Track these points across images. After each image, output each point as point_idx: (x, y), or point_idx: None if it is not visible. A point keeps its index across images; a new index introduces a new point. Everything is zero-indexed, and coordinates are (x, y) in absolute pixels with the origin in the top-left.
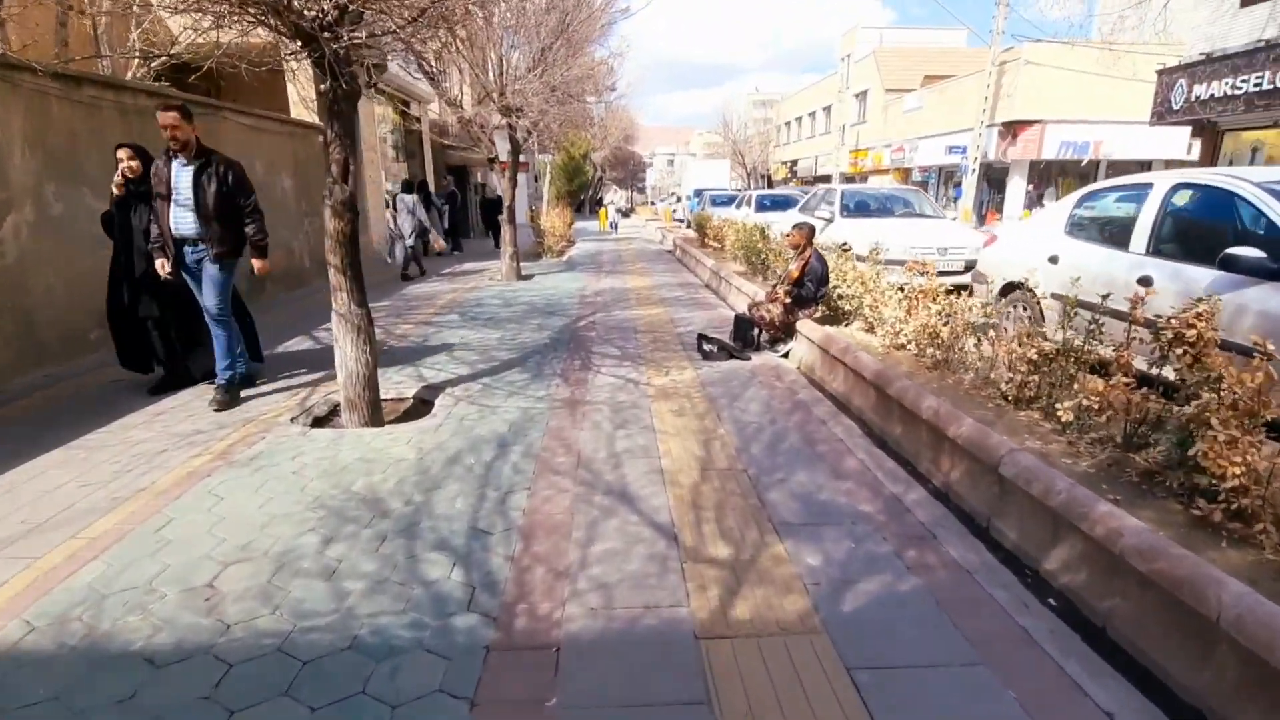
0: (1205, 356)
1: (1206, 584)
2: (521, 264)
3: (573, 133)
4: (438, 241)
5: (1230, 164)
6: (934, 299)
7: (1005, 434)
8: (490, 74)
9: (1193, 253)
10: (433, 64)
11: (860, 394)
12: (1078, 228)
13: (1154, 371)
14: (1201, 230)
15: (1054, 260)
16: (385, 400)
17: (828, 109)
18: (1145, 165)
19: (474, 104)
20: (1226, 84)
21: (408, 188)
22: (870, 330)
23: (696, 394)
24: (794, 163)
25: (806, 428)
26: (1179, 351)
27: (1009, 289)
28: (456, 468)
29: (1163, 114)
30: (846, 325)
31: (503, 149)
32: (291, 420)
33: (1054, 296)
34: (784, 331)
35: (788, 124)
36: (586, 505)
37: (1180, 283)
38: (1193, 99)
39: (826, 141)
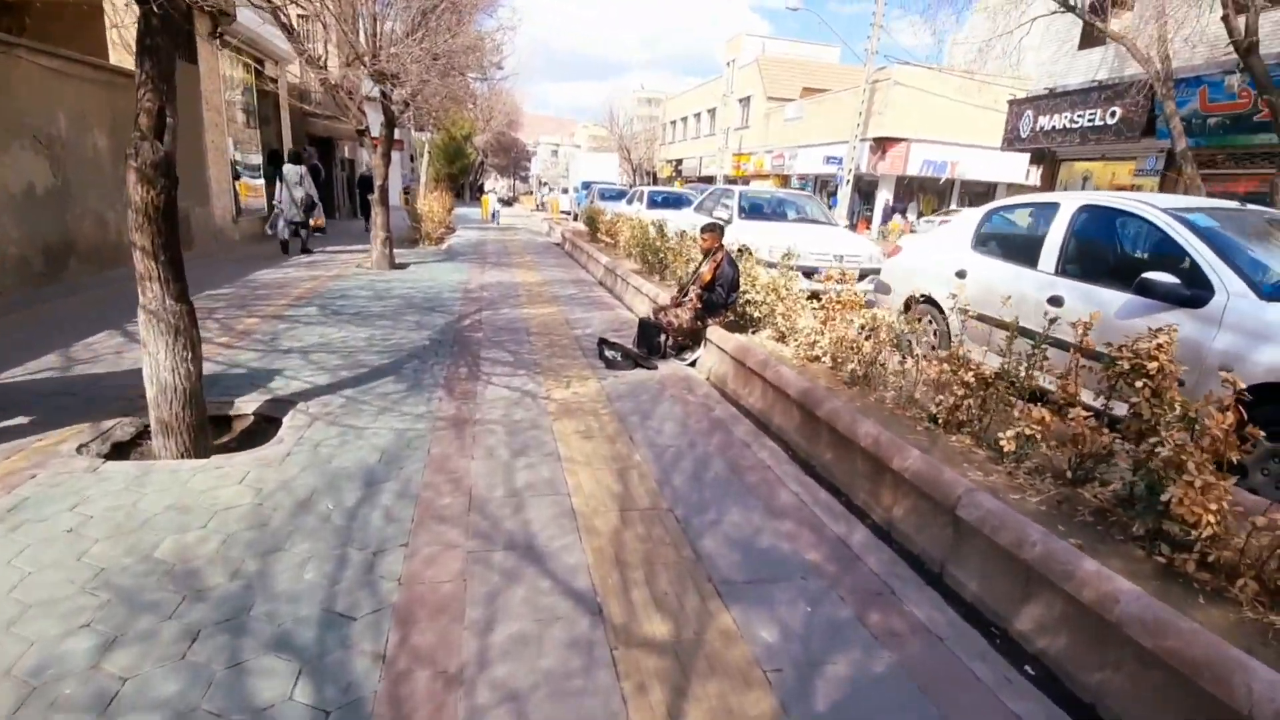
0: (1165, 390)
1: (1232, 670)
2: (395, 251)
3: (455, 110)
4: (319, 219)
5: (1065, 189)
6: (852, 310)
7: (942, 463)
8: (361, 34)
9: (1102, 274)
10: (291, 17)
11: (783, 413)
12: (984, 243)
13: (1097, 404)
14: (1110, 253)
15: (961, 275)
16: (217, 419)
17: (713, 111)
18: (992, 186)
19: (342, 66)
20: (1065, 117)
21: (295, 158)
22: (781, 339)
23: (604, 410)
24: (679, 162)
25: (729, 452)
26: (1139, 385)
27: (914, 302)
28: (308, 517)
29: (1012, 141)
30: (755, 333)
31: (374, 121)
32: (79, 449)
33: (961, 312)
34: (691, 339)
35: (673, 123)
36: (483, 568)
37: (1092, 304)
38: (1037, 129)
39: (711, 143)
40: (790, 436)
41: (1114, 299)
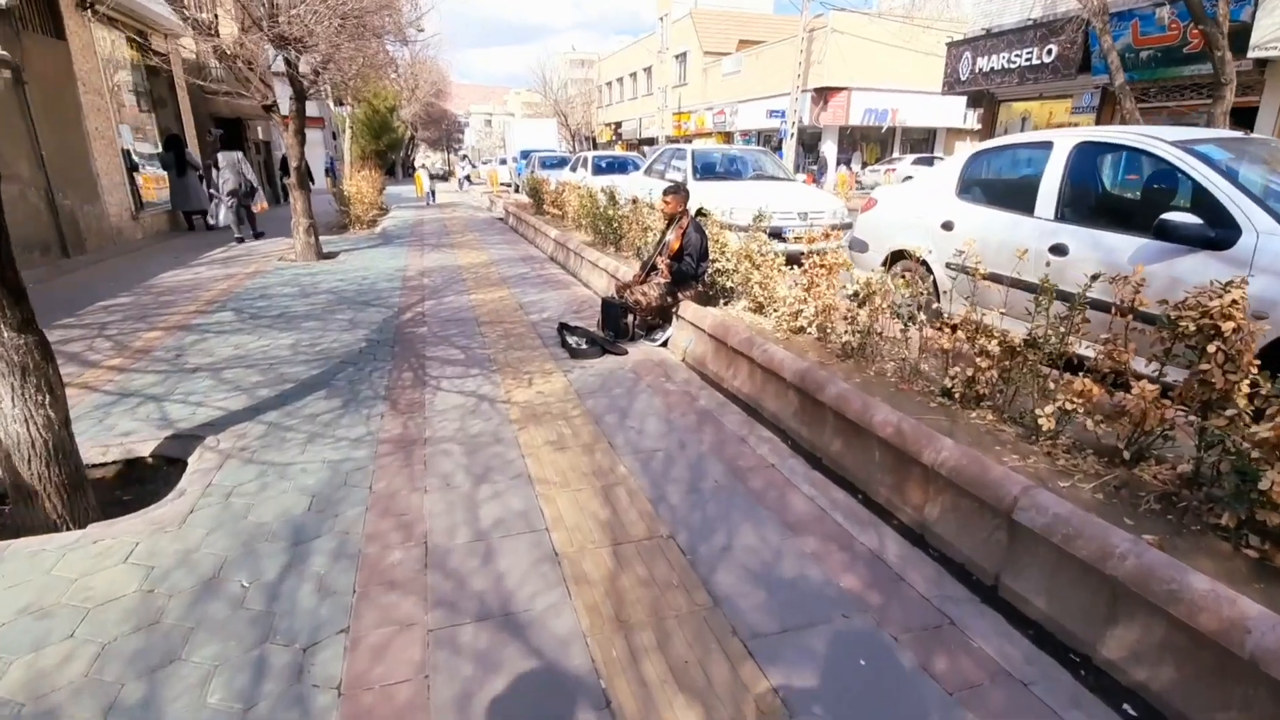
0: (1241, 355)
1: None
2: (322, 239)
3: (375, 80)
4: (262, 203)
5: (1005, 131)
6: (837, 274)
7: (982, 452)
8: None
9: (1107, 218)
10: None
11: (776, 397)
12: (970, 190)
13: (1151, 370)
14: (1114, 194)
15: (948, 227)
16: (98, 467)
17: (648, 70)
18: (932, 132)
19: (238, 33)
20: (1003, 58)
21: (228, 144)
22: (759, 310)
23: (575, 412)
24: (618, 124)
25: (725, 451)
26: (1211, 349)
27: (896, 258)
28: (215, 603)
29: (952, 84)
30: (728, 304)
31: (283, 96)
32: None
33: (950, 267)
34: (661, 316)
35: (609, 84)
36: (449, 653)
37: (1101, 251)
38: (976, 70)
39: (649, 103)
40: (788, 424)
41: (1125, 244)
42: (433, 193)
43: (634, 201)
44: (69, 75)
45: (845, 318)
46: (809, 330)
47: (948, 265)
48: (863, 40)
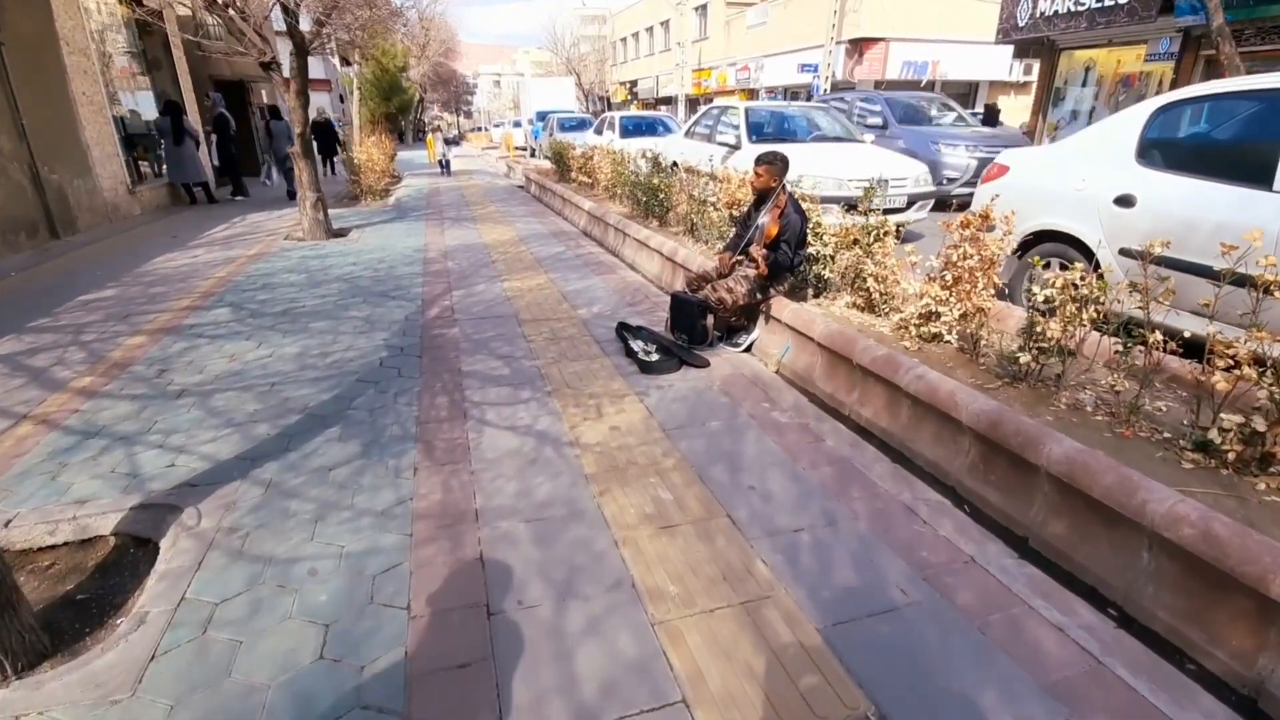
0: None
1: None
2: (331, 213)
3: (382, 35)
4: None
5: (1065, 84)
6: (993, 269)
7: None
8: None
9: None
10: None
11: (938, 442)
12: (1159, 154)
13: None
14: None
15: (1125, 202)
16: (46, 551)
17: (666, 24)
18: (973, 86)
19: None
20: (1070, 0)
21: (275, 113)
22: (868, 308)
23: (668, 460)
24: (633, 83)
25: (892, 531)
26: None
27: (1037, 240)
28: None
29: (1008, 31)
30: (818, 298)
31: (284, 55)
32: None
33: (1124, 254)
34: (745, 316)
35: (623, 40)
36: None
37: None
38: (1038, 15)
39: (667, 60)
40: (962, 481)
41: None
42: (446, 162)
43: (673, 167)
44: (51, 34)
45: (1030, 332)
46: (947, 338)
47: (1124, 252)
48: None
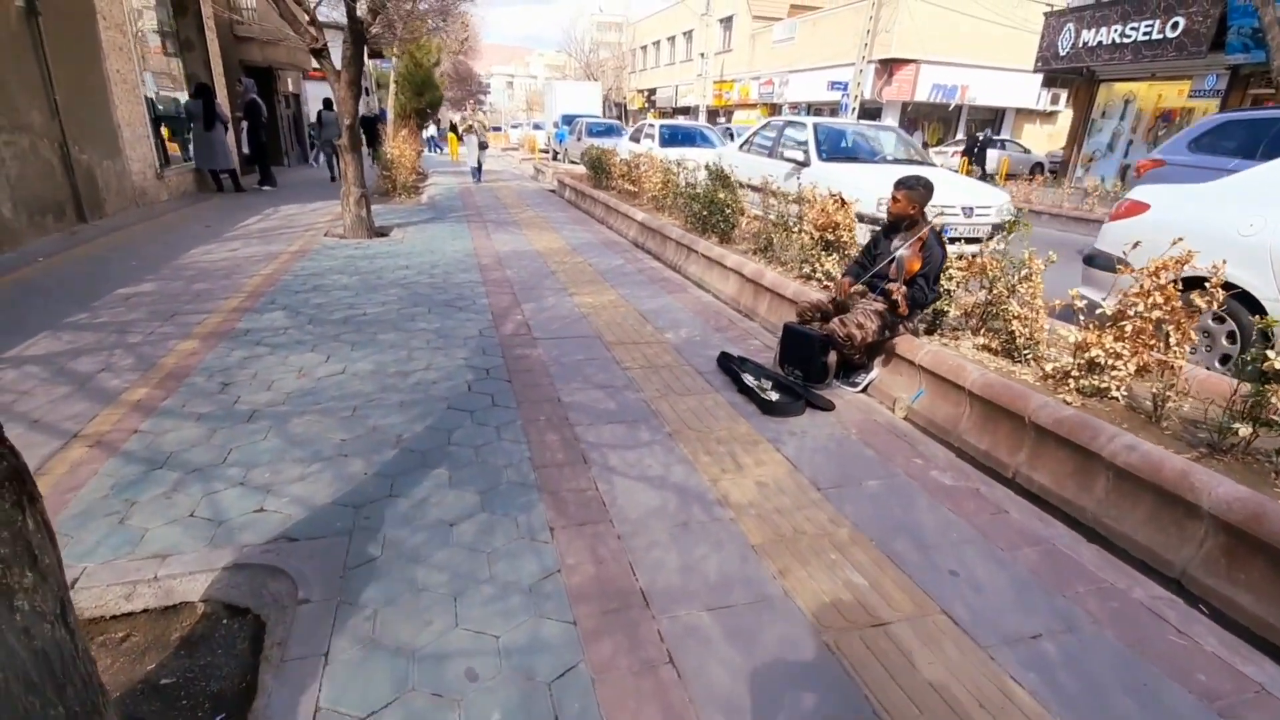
0: None
1: None
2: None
3: (419, 27)
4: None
5: (1102, 115)
6: (1192, 322)
7: None
8: None
9: None
10: None
11: (1153, 525)
12: None
13: None
14: None
15: None
16: (120, 620)
17: (689, 34)
18: (999, 113)
19: None
20: (1115, 31)
21: (327, 104)
22: (1004, 353)
23: (839, 529)
24: (652, 91)
25: (1148, 643)
26: None
27: (1188, 287)
28: None
29: (1048, 59)
30: (941, 339)
31: (334, 44)
32: None
33: None
34: (869, 354)
35: (643, 48)
36: None
37: None
38: (1080, 45)
39: (688, 70)
40: (1193, 573)
41: None
42: (479, 169)
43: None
44: (88, 7)
45: (1234, 400)
46: (1114, 395)
47: None
48: (937, 7)
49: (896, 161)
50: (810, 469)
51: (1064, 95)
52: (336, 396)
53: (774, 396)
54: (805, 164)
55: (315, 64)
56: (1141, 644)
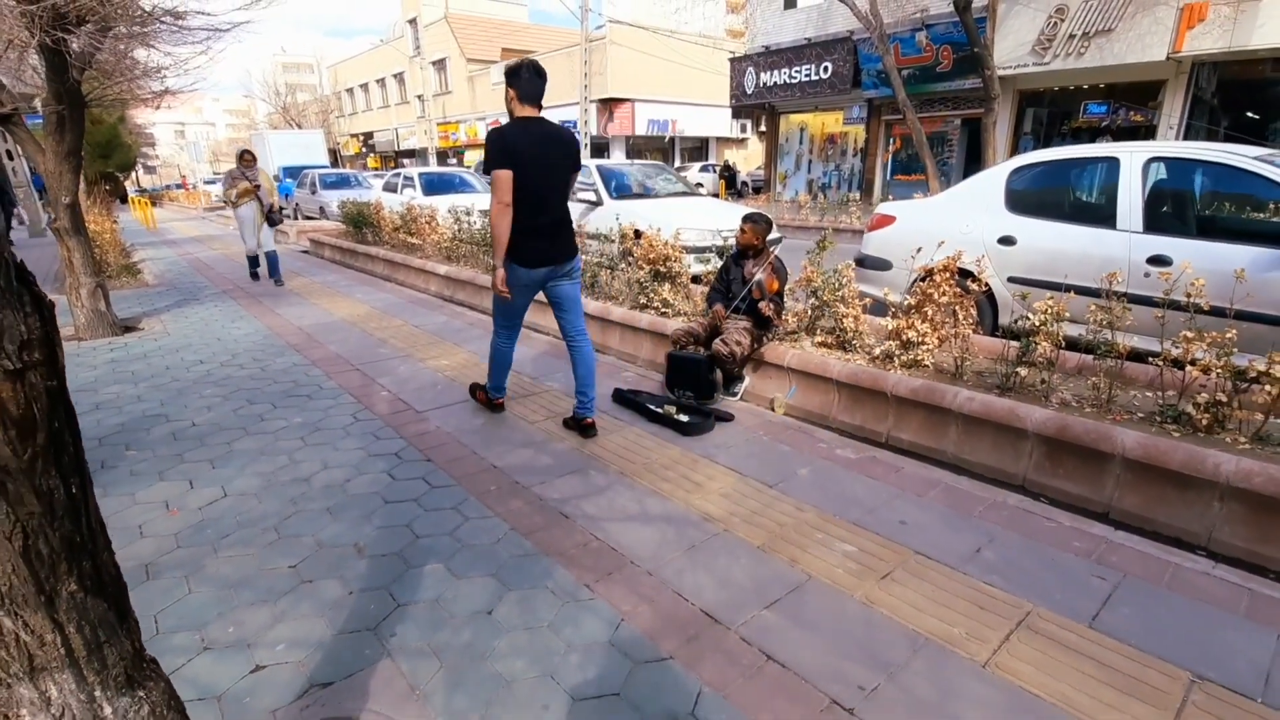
0: None
1: None
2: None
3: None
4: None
5: (786, 141)
6: (967, 308)
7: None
8: None
9: (1206, 229)
10: None
11: (998, 450)
12: (1024, 205)
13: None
14: (1209, 206)
15: (1008, 242)
16: None
17: (399, 76)
18: (704, 141)
19: None
20: (784, 74)
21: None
22: (839, 346)
23: (805, 513)
24: (369, 135)
25: (1018, 526)
26: None
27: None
28: None
29: (739, 96)
30: (785, 342)
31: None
32: None
33: (1012, 281)
34: (741, 366)
35: (349, 91)
36: None
37: (1208, 260)
38: (760, 85)
39: (406, 112)
40: (1029, 478)
41: (1239, 253)
42: (269, 259)
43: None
44: None
45: (1019, 350)
46: (926, 364)
47: (1012, 279)
48: (642, 55)
49: (673, 195)
50: (753, 472)
51: (749, 125)
52: (241, 523)
53: (684, 419)
54: (598, 203)
55: None
56: (1035, 534)
